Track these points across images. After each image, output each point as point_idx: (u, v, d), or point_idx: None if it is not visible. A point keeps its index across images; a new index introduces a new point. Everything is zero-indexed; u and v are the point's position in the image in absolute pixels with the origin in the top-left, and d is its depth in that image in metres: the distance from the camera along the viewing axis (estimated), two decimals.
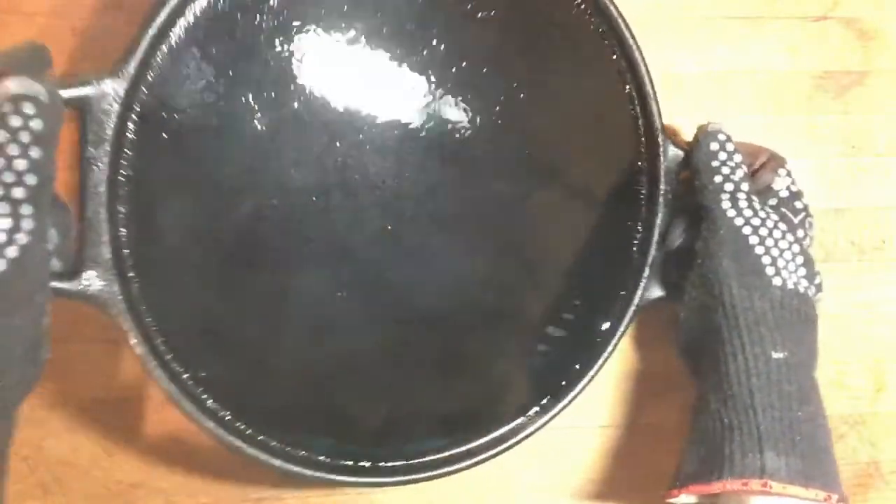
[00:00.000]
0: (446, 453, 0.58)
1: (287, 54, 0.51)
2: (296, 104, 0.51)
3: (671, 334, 0.60)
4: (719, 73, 0.67)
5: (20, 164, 0.41)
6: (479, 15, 0.55)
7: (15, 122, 0.40)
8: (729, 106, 0.67)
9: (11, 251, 0.40)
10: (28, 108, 0.41)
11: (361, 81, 0.54)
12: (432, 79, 0.55)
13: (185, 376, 0.52)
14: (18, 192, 0.41)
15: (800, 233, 0.57)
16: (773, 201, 0.58)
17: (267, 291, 0.53)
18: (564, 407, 0.59)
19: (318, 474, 0.54)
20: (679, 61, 0.66)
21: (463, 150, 0.56)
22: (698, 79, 0.66)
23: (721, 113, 0.66)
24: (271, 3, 0.50)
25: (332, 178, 0.53)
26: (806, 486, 0.50)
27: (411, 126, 0.55)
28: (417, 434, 0.58)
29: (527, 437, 0.59)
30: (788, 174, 0.59)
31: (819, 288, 0.58)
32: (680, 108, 0.66)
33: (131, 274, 0.49)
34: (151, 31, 0.46)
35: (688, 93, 0.66)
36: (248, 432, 0.53)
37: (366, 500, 0.65)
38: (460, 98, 0.55)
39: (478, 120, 0.56)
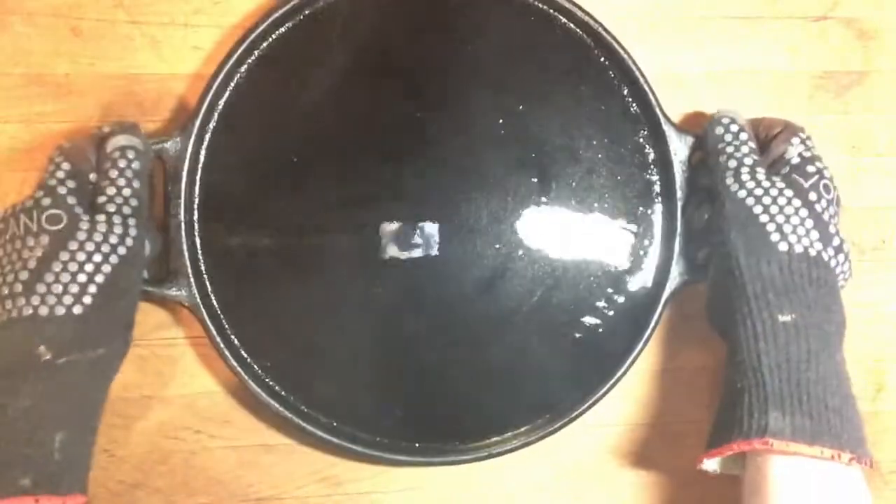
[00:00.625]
0: (492, 438, 0.63)
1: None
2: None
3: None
4: (719, 73, 0.67)
5: (126, 191, 0.56)
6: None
7: (122, 163, 0.56)
8: (729, 106, 0.66)
9: (122, 249, 0.54)
10: (130, 154, 0.56)
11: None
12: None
13: (254, 365, 0.61)
14: (126, 210, 0.55)
15: (811, 196, 0.58)
16: (785, 169, 0.59)
17: (324, 295, 0.62)
18: (607, 391, 0.63)
19: (373, 452, 0.62)
20: (679, 61, 0.66)
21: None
22: (698, 79, 0.66)
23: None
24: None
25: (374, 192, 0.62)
26: (811, 443, 0.51)
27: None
28: (471, 424, 0.63)
29: (575, 418, 0.63)
30: (802, 141, 0.60)
31: (839, 250, 0.58)
32: (680, 107, 0.66)
33: (206, 278, 0.60)
34: (208, 98, 0.59)
35: (688, 93, 0.66)
36: (305, 411, 0.62)
37: (367, 500, 0.65)
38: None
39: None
